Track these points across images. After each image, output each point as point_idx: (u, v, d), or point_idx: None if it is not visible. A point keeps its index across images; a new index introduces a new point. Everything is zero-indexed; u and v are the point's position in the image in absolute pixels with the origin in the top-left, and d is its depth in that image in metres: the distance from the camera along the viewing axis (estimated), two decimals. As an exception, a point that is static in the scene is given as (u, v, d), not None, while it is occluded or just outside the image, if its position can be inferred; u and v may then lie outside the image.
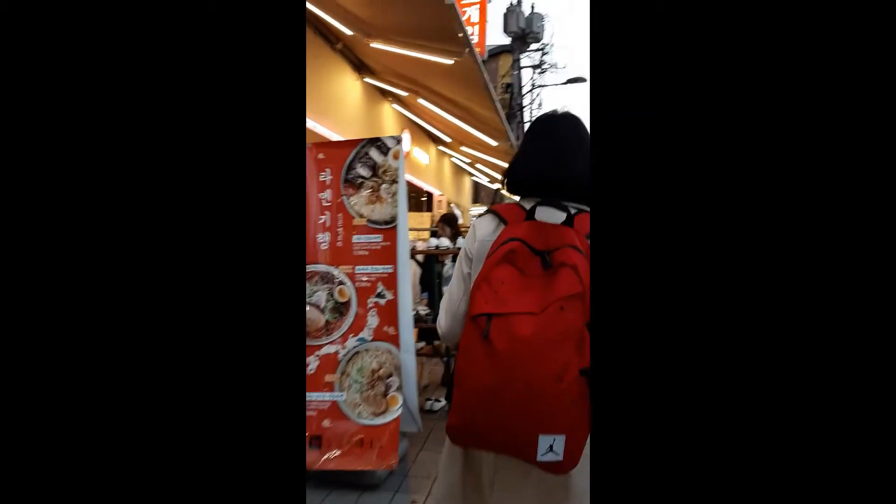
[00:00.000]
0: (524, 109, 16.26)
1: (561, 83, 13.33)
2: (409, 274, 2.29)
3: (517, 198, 1.01)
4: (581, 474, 0.87)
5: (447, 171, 9.22)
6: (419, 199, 8.17)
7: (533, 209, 0.92)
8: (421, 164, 7.52)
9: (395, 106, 5.89)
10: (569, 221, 0.90)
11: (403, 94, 5.01)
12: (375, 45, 3.60)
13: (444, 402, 3.34)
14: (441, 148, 8.29)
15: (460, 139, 6.30)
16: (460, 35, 2.85)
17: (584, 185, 0.94)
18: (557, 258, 0.85)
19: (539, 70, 13.62)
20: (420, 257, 3.36)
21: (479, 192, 15.99)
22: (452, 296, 0.99)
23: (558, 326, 0.80)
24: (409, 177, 7.02)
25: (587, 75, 12.75)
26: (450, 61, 3.13)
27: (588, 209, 0.94)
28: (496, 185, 10.43)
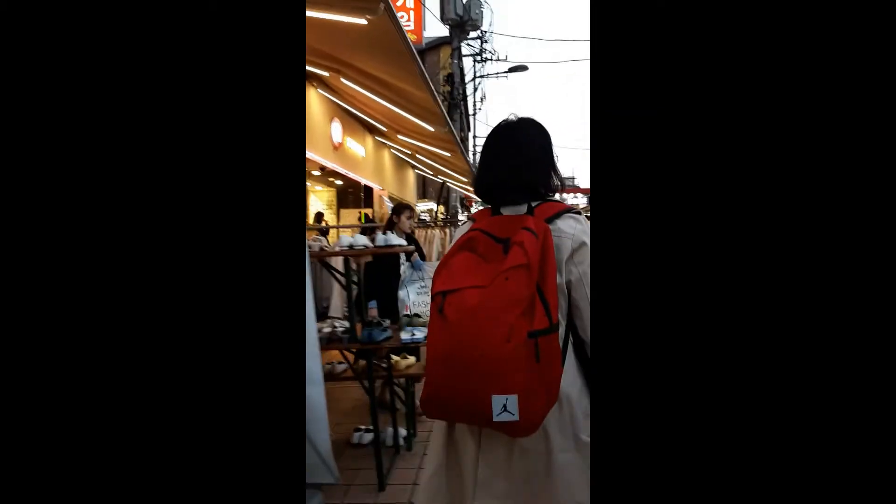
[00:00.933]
0: (467, 99, 15.87)
1: (503, 72, 13.05)
2: (307, 282, 1.74)
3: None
4: (563, 451, 0.93)
5: (388, 165, 8.65)
6: (357, 195, 7.58)
7: (497, 206, 1.04)
8: (357, 156, 6.91)
9: (322, 91, 5.29)
10: (529, 211, 1.01)
11: (325, 73, 4.42)
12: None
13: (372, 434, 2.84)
14: (379, 139, 7.72)
15: (395, 126, 5.77)
16: (371, -16, 2.33)
17: (545, 185, 1.06)
18: (514, 239, 0.92)
19: (480, 59, 13.27)
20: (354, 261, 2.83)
21: (426, 187, 15.54)
22: None
23: (503, 294, 0.87)
24: (344, 171, 6.41)
25: (528, 63, 12.55)
26: (362, 20, 2.60)
27: (553, 199, 1.05)
28: (441, 179, 9.98)
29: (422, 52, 16.20)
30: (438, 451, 1.03)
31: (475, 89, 13.74)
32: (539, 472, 0.93)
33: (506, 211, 1.03)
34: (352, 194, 7.72)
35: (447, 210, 12.52)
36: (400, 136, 6.41)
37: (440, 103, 3.62)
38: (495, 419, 0.83)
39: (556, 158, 1.08)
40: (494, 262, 0.92)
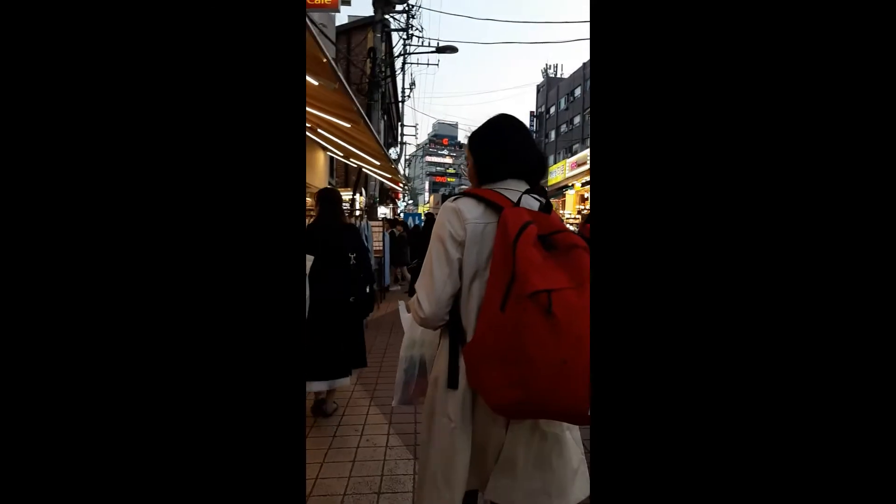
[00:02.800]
0: (395, 79, 14.71)
1: (431, 50, 12.10)
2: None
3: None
4: (569, 429, 1.06)
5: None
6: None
7: (520, 198, 1.04)
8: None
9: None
10: (546, 209, 1.05)
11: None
12: None
13: None
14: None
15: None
16: None
17: (538, 168, 1.14)
18: (564, 240, 0.97)
19: (407, 35, 12.22)
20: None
21: (348, 174, 14.22)
22: (437, 280, 1.03)
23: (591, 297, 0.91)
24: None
25: (457, 45, 11.69)
26: None
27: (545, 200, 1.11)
28: (356, 163, 8.82)
29: (346, 31, 14.76)
30: (463, 438, 1.02)
31: (402, 68, 12.63)
32: (552, 451, 1.02)
33: (525, 202, 1.02)
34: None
35: (365, 200, 11.39)
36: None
37: (322, 47, 2.57)
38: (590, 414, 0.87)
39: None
40: (547, 258, 0.93)
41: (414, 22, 12.10)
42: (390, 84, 16.51)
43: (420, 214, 14.49)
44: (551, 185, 17.85)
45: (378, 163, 7.30)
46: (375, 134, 5.13)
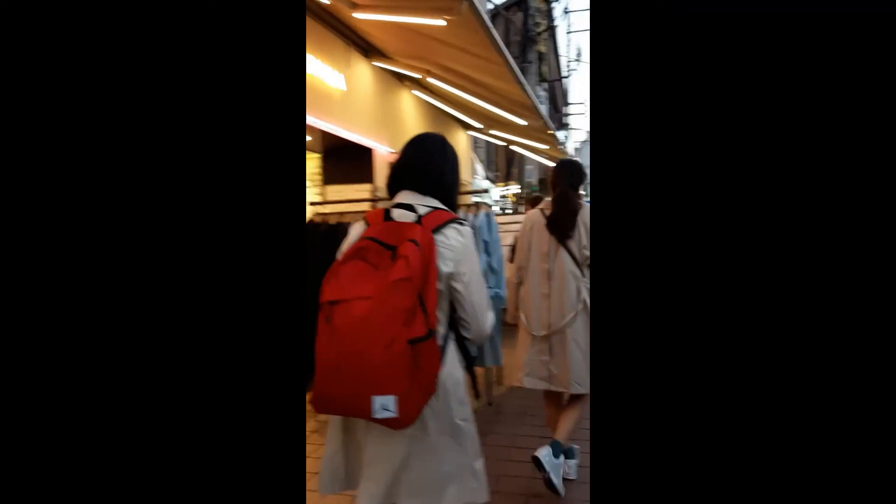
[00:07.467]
0: (554, 31, 12.22)
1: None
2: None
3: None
4: (439, 434, 1.08)
5: (407, 113, 5.68)
6: (348, 159, 4.67)
7: (388, 211, 1.14)
8: (329, 90, 4.01)
9: None
10: (417, 221, 1.09)
11: None
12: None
13: None
14: (380, 64, 4.75)
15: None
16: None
17: (440, 181, 1.18)
18: (400, 251, 1.02)
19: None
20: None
21: (512, 161, 12.24)
22: None
23: (388, 306, 0.95)
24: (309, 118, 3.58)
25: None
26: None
27: (442, 207, 1.15)
28: (498, 135, 6.78)
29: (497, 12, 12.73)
30: (337, 434, 1.15)
31: (554, 24, 10.09)
32: (416, 454, 1.07)
33: (397, 216, 1.11)
34: (337, 157, 4.82)
35: (520, 188, 9.27)
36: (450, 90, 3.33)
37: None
38: (375, 416, 0.95)
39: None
40: (383, 269, 0.99)
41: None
42: (552, 55, 14.00)
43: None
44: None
45: (524, 123, 5.09)
46: (516, 69, 2.98)
